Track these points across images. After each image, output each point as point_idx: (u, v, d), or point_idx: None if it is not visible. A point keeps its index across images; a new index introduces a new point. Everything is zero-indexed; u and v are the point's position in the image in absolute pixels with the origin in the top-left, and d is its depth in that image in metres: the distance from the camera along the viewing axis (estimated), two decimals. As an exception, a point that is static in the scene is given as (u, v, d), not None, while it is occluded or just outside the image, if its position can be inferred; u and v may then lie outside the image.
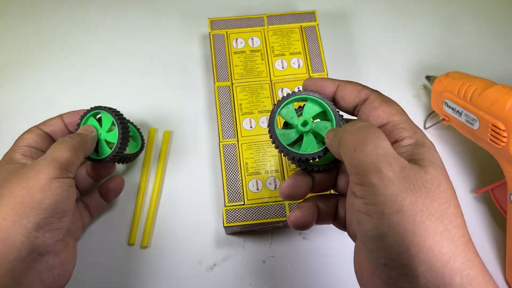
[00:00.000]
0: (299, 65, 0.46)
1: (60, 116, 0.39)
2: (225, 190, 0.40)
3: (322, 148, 0.27)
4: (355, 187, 0.23)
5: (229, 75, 0.45)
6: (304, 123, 0.28)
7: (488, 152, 0.41)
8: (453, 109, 0.42)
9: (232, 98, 0.44)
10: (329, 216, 0.30)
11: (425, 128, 0.49)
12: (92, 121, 0.39)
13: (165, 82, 0.50)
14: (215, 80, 0.45)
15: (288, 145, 0.28)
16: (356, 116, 0.28)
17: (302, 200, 0.30)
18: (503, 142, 0.37)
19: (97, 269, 0.41)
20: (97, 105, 0.39)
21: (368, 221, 0.22)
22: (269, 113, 0.43)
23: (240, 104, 0.44)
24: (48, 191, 0.30)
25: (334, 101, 0.29)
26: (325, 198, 0.30)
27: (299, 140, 0.29)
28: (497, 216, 0.44)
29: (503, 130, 0.36)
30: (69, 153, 0.33)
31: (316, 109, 0.29)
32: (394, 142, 0.25)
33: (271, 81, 0.45)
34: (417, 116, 0.50)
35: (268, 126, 0.28)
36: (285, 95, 0.44)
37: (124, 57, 0.52)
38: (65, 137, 0.35)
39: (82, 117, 0.39)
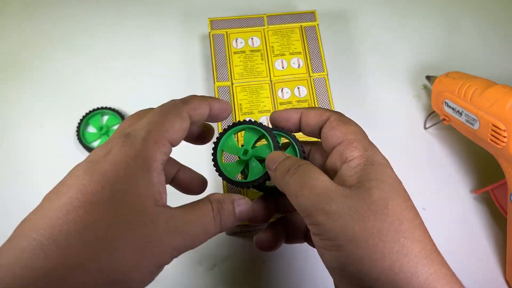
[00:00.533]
0: (299, 65, 0.46)
1: (209, 103, 0.28)
2: (225, 190, 0.40)
3: (263, 173, 0.28)
4: (309, 226, 0.24)
5: (229, 75, 0.45)
6: (244, 152, 0.29)
7: (488, 152, 0.41)
8: (453, 109, 0.42)
9: (232, 98, 0.44)
10: (299, 236, 0.30)
11: (425, 128, 0.48)
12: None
13: (164, 81, 0.50)
14: (215, 80, 0.45)
15: (243, 173, 0.29)
16: (320, 137, 0.29)
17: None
18: (504, 142, 0.36)
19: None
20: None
21: (328, 254, 0.23)
22: (270, 113, 0.43)
23: (240, 104, 0.44)
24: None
25: (300, 127, 0.29)
26: (293, 218, 0.30)
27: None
28: (497, 216, 0.44)
29: (504, 130, 0.36)
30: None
31: (255, 136, 0.29)
32: (344, 162, 0.25)
33: (271, 81, 0.45)
34: (417, 116, 0.50)
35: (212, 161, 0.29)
36: (285, 95, 0.44)
37: (123, 57, 0.52)
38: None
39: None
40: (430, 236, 0.22)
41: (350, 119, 0.28)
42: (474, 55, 0.54)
